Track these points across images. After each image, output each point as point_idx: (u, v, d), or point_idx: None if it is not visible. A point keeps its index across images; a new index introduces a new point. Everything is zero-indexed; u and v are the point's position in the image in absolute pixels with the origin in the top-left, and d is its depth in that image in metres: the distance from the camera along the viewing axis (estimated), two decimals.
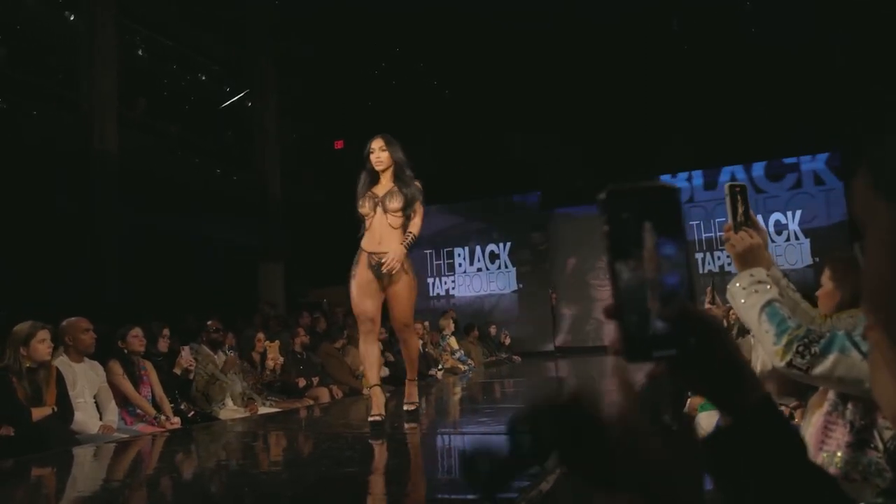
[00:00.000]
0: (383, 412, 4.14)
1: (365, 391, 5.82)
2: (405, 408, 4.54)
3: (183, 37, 10.72)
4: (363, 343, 4.30)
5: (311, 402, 6.55)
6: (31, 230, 7.97)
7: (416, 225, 4.30)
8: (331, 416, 5.43)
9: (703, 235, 12.17)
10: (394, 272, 4.16)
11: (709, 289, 2.74)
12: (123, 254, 8.69)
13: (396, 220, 4.25)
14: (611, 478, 0.57)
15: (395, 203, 4.24)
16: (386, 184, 4.32)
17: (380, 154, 4.29)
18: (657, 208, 0.61)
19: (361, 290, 4.22)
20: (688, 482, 0.58)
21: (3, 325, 5.23)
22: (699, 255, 12.15)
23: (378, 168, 4.29)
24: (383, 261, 4.12)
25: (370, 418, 4.07)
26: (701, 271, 12.02)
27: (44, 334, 4.26)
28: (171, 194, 9.84)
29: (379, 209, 4.26)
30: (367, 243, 4.27)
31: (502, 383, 8.08)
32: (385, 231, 4.24)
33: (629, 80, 11.68)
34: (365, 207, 4.29)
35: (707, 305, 2.76)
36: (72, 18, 9.08)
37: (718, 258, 11.99)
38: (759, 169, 12.31)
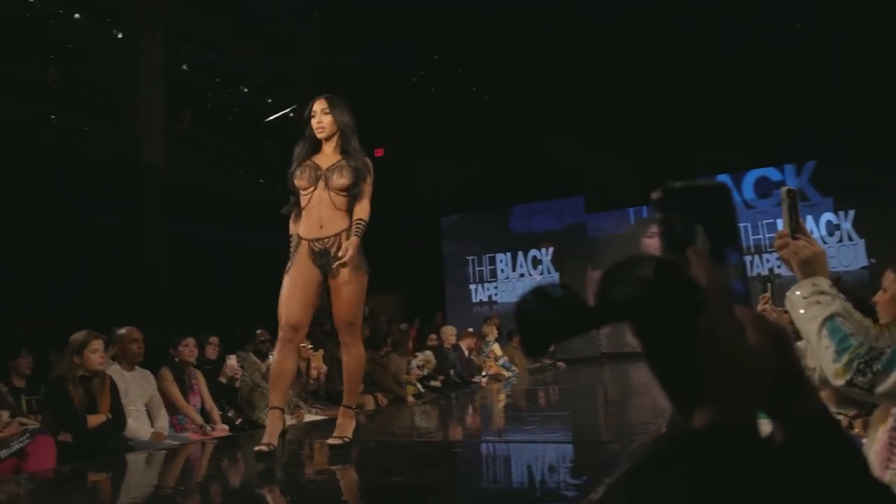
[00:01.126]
0: (275, 442, 3.33)
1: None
2: (328, 441, 3.47)
3: (226, 50, 10.93)
4: (278, 353, 3.45)
5: (357, 410, 6.57)
6: (82, 242, 8.20)
7: (364, 209, 3.52)
8: (376, 424, 5.45)
9: (752, 238, 11.94)
10: (345, 264, 3.36)
11: (766, 295, 2.63)
12: (171, 263, 8.88)
13: (342, 199, 3.46)
14: (679, 354, 0.55)
15: (343, 179, 3.44)
16: (330, 154, 3.55)
17: (322, 118, 3.53)
18: (711, 207, 0.61)
19: (293, 287, 3.41)
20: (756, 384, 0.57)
21: (62, 335, 5.40)
22: (747, 258, 11.92)
23: (320, 135, 3.54)
24: (340, 254, 3.36)
25: (256, 447, 3.31)
26: (750, 274, 11.79)
27: (97, 344, 4.37)
28: (216, 205, 10.03)
29: (321, 184, 3.47)
30: (305, 229, 3.47)
31: (547, 390, 8.01)
32: (327, 212, 3.45)
33: (669, 81, 11.53)
34: (303, 180, 3.49)
35: (761, 309, 2.66)
36: (120, 37, 9.34)
37: (767, 261, 11.73)
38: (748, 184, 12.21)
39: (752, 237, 11.94)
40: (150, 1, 9.18)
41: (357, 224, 3.46)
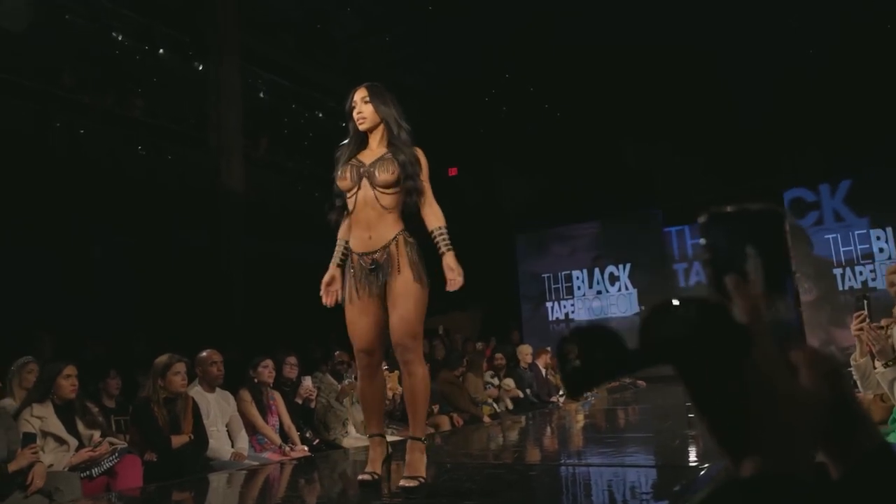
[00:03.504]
0: (378, 470, 3.15)
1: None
2: (402, 483, 3.00)
3: (300, 76, 11.25)
4: (360, 380, 3.24)
5: (432, 431, 6.54)
6: (167, 265, 8.52)
7: (437, 212, 3.13)
8: (451, 445, 5.40)
9: (842, 249, 11.36)
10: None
11: (863, 312, 2.42)
12: (250, 283, 9.12)
13: (388, 198, 3.08)
14: (724, 396, 0.53)
15: (386, 174, 3.06)
16: (375, 149, 3.18)
17: (362, 108, 3.17)
18: (761, 234, 0.57)
19: (355, 312, 3.12)
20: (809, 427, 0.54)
21: (146, 356, 5.61)
22: (838, 272, 11.34)
23: (361, 127, 3.17)
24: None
25: (359, 476, 3.16)
26: (841, 288, 11.21)
27: (179, 367, 4.50)
28: (294, 226, 10.26)
29: (364, 182, 3.10)
30: (354, 240, 3.14)
31: (626, 410, 7.79)
32: (374, 217, 3.08)
33: (750, 91, 11.18)
34: (346, 180, 3.13)
35: (857, 326, 2.49)
36: (200, 68, 9.75)
37: (860, 273, 11.14)
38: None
39: (842, 249, 11.36)
40: (228, 33, 9.54)
41: (441, 234, 3.10)
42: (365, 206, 3.10)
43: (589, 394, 9.46)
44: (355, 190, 3.12)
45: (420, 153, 3.19)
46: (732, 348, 0.53)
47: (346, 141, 3.28)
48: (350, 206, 3.15)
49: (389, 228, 3.09)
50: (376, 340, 3.14)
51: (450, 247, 3.10)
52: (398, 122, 3.19)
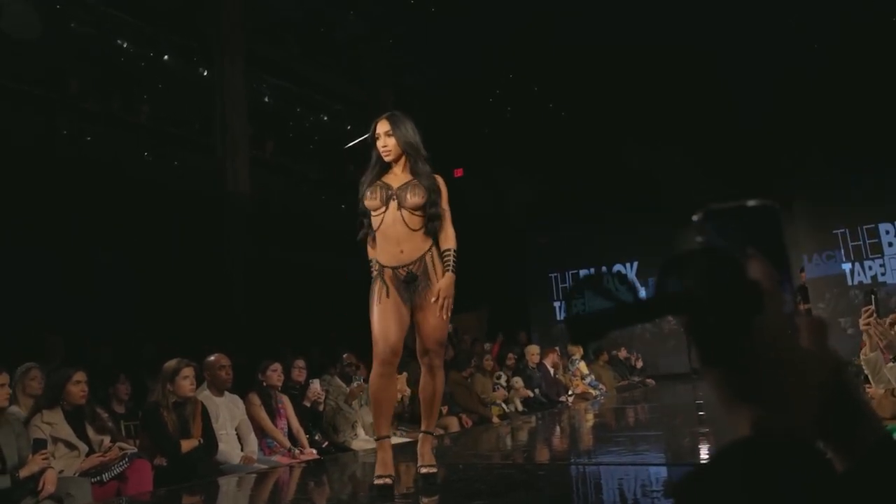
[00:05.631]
0: (393, 472, 3.25)
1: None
2: (424, 470, 3.36)
3: (305, 80, 11.28)
4: (379, 379, 3.30)
5: (441, 432, 6.54)
6: (171, 268, 8.55)
7: (450, 236, 3.36)
8: (460, 446, 5.39)
9: (851, 244, 11.29)
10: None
11: (871, 307, 2.39)
12: (256, 287, 9.14)
13: (416, 219, 3.30)
14: (735, 353, 0.53)
15: (416, 198, 3.28)
16: (400, 174, 3.40)
17: (386, 141, 3.38)
18: (757, 231, 0.57)
19: (386, 313, 3.26)
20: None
21: (152, 362, 5.62)
22: (847, 266, 11.28)
23: (387, 158, 3.40)
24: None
25: (376, 481, 3.20)
26: (850, 283, 11.15)
27: (188, 371, 4.50)
28: (300, 230, 10.28)
29: (392, 204, 3.31)
30: (386, 256, 3.32)
31: (636, 409, 7.77)
32: (403, 234, 3.30)
33: (754, 91, 11.16)
34: (375, 200, 3.33)
35: (865, 321, 2.47)
36: (205, 74, 9.79)
37: (870, 268, 11.08)
38: None
39: (851, 244, 11.30)
40: (232, 38, 9.56)
41: (447, 256, 3.31)
42: (394, 224, 3.31)
43: (599, 390, 9.43)
44: (383, 210, 3.33)
45: (440, 180, 3.42)
46: (747, 303, 0.52)
47: (370, 167, 3.47)
48: (375, 225, 3.35)
49: (421, 244, 3.32)
50: (400, 343, 3.32)
51: (450, 268, 3.31)
52: (419, 150, 3.41)
